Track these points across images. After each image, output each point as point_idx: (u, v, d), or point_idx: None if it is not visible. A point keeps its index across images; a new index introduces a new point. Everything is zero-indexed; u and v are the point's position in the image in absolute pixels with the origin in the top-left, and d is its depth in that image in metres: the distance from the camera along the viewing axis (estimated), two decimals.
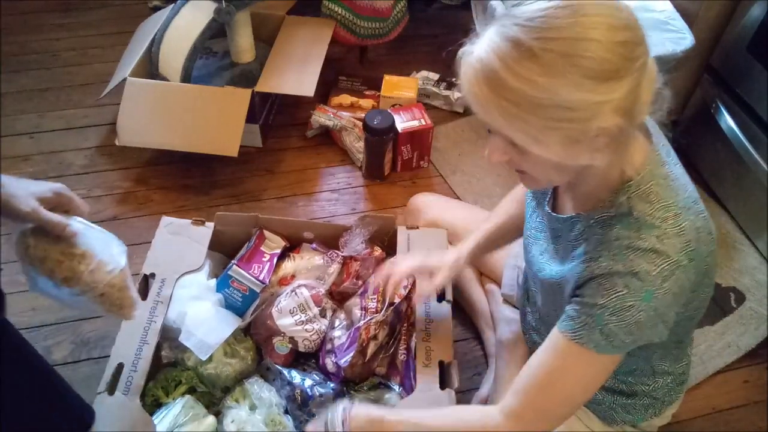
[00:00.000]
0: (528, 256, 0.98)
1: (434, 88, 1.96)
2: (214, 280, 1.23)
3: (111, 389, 0.99)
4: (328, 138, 1.87)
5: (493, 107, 0.68)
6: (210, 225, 1.25)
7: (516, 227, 1.08)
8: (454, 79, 1.99)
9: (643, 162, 0.76)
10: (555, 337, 0.79)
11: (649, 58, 0.69)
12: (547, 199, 0.91)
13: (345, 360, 1.14)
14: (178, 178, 1.73)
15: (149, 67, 1.75)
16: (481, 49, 0.68)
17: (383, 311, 1.17)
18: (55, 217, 0.78)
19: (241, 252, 1.26)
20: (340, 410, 0.92)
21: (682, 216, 0.74)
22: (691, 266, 0.74)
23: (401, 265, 1.12)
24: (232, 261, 1.23)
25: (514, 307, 1.27)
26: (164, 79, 1.71)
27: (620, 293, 0.72)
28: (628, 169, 0.75)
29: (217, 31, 1.69)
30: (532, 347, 1.11)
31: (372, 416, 0.91)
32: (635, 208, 0.74)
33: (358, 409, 0.91)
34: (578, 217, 0.82)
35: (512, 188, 1.13)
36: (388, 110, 1.71)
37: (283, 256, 1.29)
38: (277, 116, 1.92)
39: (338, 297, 1.29)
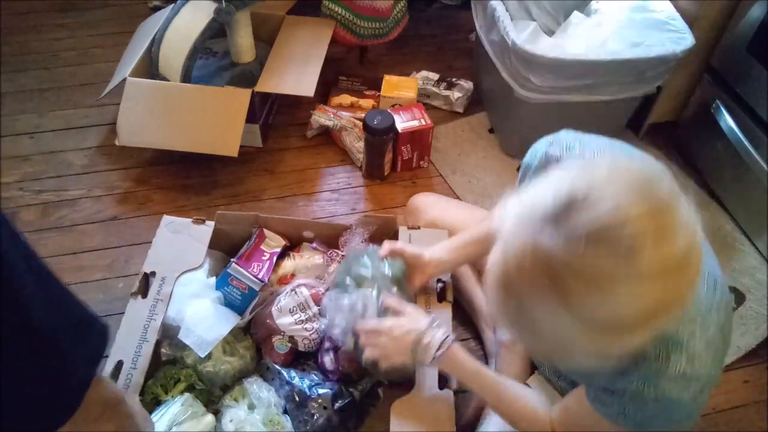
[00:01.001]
0: None
1: (434, 88, 1.96)
2: (214, 278, 1.23)
3: None
4: (328, 138, 1.87)
5: (516, 328, 0.65)
6: (210, 224, 1.26)
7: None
8: (454, 79, 1.99)
9: None
10: (591, 411, 0.80)
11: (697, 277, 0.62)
12: None
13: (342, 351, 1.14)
14: (178, 178, 1.73)
15: (149, 67, 1.75)
16: (520, 273, 0.60)
17: None
18: None
19: (241, 250, 1.26)
20: (442, 336, 0.98)
21: (707, 320, 0.72)
22: (720, 367, 0.73)
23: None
24: (232, 259, 1.23)
25: None
26: (164, 79, 1.71)
27: (652, 411, 0.72)
28: None
29: (217, 31, 1.69)
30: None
31: (460, 359, 0.98)
32: None
33: (456, 348, 0.98)
34: None
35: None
36: (388, 110, 1.71)
37: (283, 255, 1.29)
38: (277, 116, 1.92)
39: None
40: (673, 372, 0.69)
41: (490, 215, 1.13)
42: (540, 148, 0.89)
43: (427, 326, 0.99)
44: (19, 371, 0.54)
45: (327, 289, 1.18)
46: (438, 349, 0.97)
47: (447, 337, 0.99)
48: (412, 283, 1.14)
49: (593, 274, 0.56)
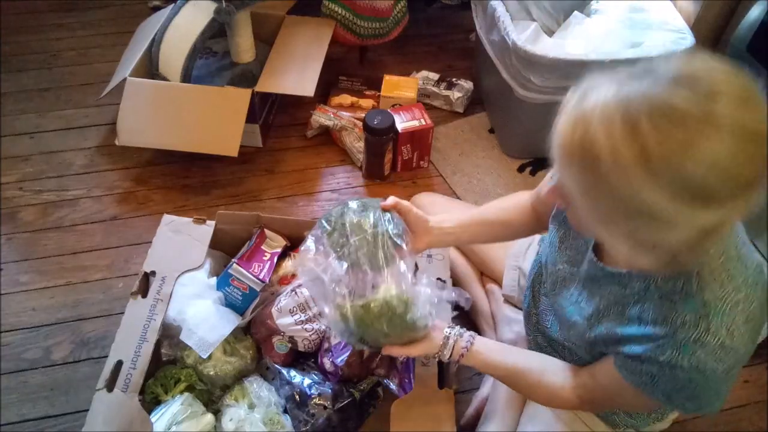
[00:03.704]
0: (551, 292, 0.95)
1: (434, 88, 1.96)
2: (215, 278, 1.23)
3: (110, 386, 0.99)
4: (328, 138, 1.87)
5: (575, 174, 0.63)
6: (211, 223, 1.25)
7: (501, 234, 1.06)
8: (454, 79, 1.99)
9: None
10: (617, 378, 0.79)
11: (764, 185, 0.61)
12: (591, 245, 0.85)
13: (341, 359, 1.14)
14: (178, 178, 1.73)
15: (149, 67, 1.75)
16: (593, 111, 0.60)
17: None
18: None
19: (242, 250, 1.26)
20: (467, 337, 0.94)
21: (752, 296, 0.70)
22: (753, 347, 0.72)
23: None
24: (233, 259, 1.23)
25: (515, 307, 1.27)
26: (164, 79, 1.71)
27: (683, 382, 0.71)
28: None
29: (217, 31, 1.69)
30: (535, 349, 1.11)
31: (483, 357, 0.94)
32: (704, 290, 0.69)
33: (479, 344, 0.94)
34: (633, 277, 0.76)
35: (513, 190, 1.10)
36: (388, 110, 1.71)
37: (283, 255, 1.29)
38: (277, 116, 1.92)
39: None
40: (711, 341, 0.68)
41: (494, 202, 1.11)
42: None
43: (441, 347, 0.95)
44: None
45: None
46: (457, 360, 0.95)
47: (469, 339, 0.95)
48: (410, 247, 1.05)
49: (670, 110, 0.56)
